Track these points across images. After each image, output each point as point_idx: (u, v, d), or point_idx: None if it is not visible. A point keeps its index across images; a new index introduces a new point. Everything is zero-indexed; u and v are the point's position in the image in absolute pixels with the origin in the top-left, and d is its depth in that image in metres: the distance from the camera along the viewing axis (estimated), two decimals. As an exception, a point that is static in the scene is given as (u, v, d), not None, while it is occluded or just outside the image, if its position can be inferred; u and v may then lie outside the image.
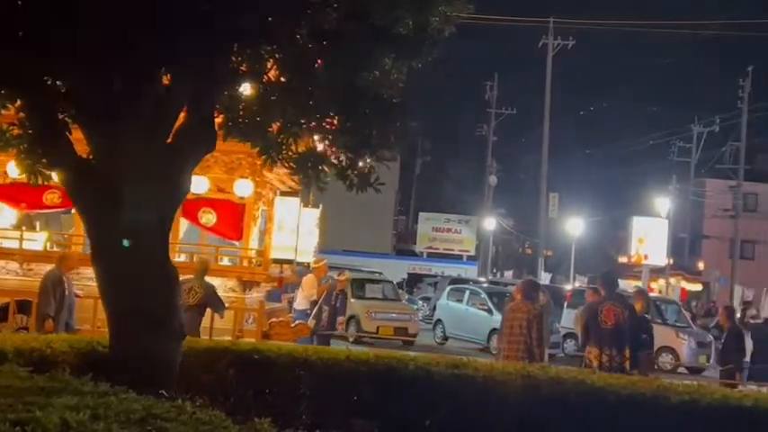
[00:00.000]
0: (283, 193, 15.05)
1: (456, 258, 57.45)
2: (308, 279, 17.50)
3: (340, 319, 17.33)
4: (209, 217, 14.90)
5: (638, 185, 55.87)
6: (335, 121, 7.10)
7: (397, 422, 7.52)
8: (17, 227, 15.62)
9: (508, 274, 59.01)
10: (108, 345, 6.86)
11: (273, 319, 14.47)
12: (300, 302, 17.52)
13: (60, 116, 6.58)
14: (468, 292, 30.66)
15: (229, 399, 7.33)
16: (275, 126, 6.98)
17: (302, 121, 7.00)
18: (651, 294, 35.31)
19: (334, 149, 7.28)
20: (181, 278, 12.53)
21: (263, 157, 7.07)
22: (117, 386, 4.89)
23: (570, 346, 26.68)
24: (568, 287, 37.72)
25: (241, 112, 6.90)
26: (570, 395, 7.44)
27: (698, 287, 46.21)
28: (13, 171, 13.50)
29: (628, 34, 55.45)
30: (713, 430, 7.24)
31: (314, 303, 16.74)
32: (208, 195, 14.52)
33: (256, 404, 7.33)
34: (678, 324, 28.04)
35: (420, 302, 38.47)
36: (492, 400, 7.50)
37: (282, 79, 6.95)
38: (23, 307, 13.23)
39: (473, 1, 7.34)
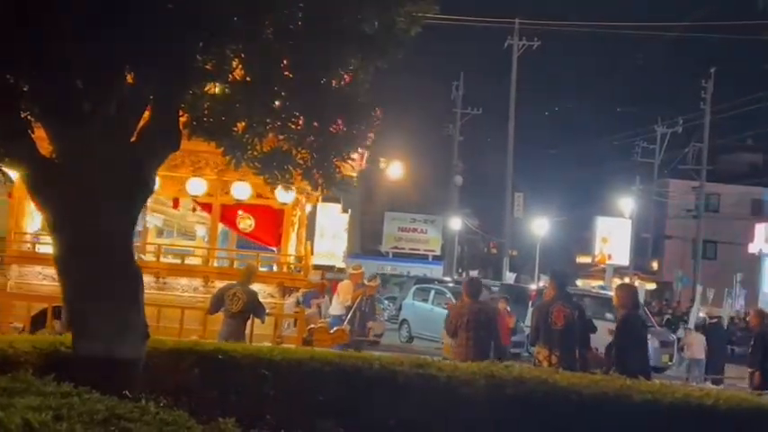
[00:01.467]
0: (325, 199, 15.01)
1: (422, 258, 57.55)
2: (345, 284, 17.52)
3: (370, 324, 17.22)
4: (247, 222, 14.90)
5: (602, 186, 56.31)
6: (301, 121, 7.09)
7: (363, 422, 7.53)
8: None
9: (474, 273, 59.18)
10: (71, 345, 6.81)
11: (312, 325, 14.42)
12: (335, 308, 17.49)
13: (23, 115, 6.52)
14: (433, 292, 30.78)
15: (194, 399, 7.28)
16: (240, 126, 6.96)
17: (267, 121, 6.98)
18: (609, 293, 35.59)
19: (299, 149, 7.27)
20: (222, 284, 12.66)
21: (228, 157, 7.05)
22: (80, 386, 4.85)
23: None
24: (533, 287, 37.94)
25: (206, 112, 6.87)
26: (534, 394, 7.49)
27: (653, 286, 46.60)
28: None
29: (593, 35, 55.81)
30: (675, 429, 7.32)
31: (349, 309, 16.70)
32: (246, 201, 14.49)
33: (221, 404, 7.29)
34: (641, 323, 28.22)
35: (386, 302, 38.56)
36: (456, 400, 7.53)
37: (248, 79, 6.94)
38: (61, 313, 13.16)
39: (439, 1, 7.36)
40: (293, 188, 14.26)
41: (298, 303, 15.80)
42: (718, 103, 46.60)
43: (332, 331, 14.74)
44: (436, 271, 51.86)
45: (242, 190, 14.14)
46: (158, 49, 6.15)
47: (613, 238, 48.56)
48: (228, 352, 7.96)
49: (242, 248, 16.54)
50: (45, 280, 14.03)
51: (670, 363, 27.29)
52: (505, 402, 7.46)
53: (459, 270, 62.59)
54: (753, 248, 43.86)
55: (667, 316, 33.79)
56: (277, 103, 6.91)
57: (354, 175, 15.18)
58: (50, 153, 6.63)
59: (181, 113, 6.89)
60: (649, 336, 27.03)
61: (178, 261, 15.20)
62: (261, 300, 12.92)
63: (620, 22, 47.77)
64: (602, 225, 49.85)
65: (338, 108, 7.09)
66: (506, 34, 43.77)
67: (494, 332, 11.70)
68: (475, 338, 11.30)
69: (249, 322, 12.68)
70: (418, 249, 58.91)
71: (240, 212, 14.83)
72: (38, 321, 12.98)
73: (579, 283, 54.09)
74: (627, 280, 43.97)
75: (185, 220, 19.14)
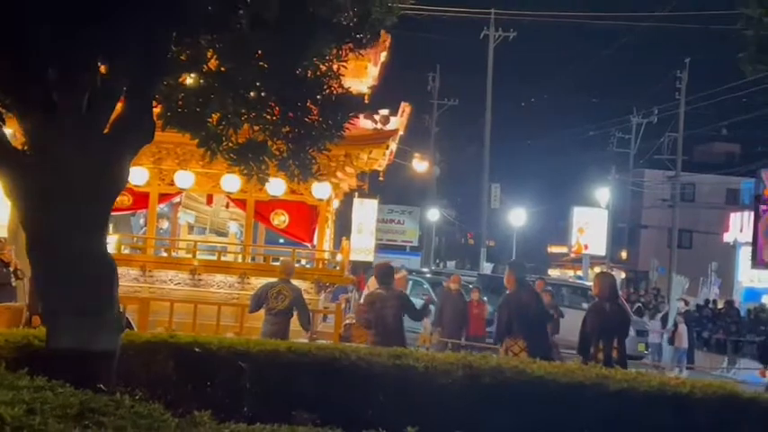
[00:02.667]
0: (361, 195, 14.98)
1: (399, 249, 57.55)
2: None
3: (432, 323, 17.08)
4: (281, 219, 14.89)
5: (578, 176, 56.54)
6: (276, 112, 7.06)
7: (340, 413, 7.49)
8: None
9: (451, 264, 59.30)
10: (45, 338, 6.75)
11: (348, 321, 14.38)
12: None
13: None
14: (411, 283, 30.78)
15: (169, 392, 7.25)
16: (215, 117, 6.92)
17: (242, 112, 6.94)
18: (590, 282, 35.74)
19: (275, 140, 7.24)
20: (265, 282, 12.59)
21: (203, 148, 7.00)
22: (54, 380, 4.81)
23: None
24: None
25: (180, 102, 6.82)
26: (511, 384, 7.50)
27: (621, 275, 46.87)
28: None
29: (569, 26, 55.97)
30: (651, 417, 7.34)
31: None
32: (281, 197, 14.42)
33: (197, 397, 7.26)
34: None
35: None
36: (434, 390, 7.53)
37: (222, 69, 6.89)
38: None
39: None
40: (328, 183, 14.31)
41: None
42: (693, 94, 46.87)
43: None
44: (414, 262, 51.85)
45: (277, 186, 14.11)
46: (131, 39, 6.10)
47: (590, 228, 48.78)
48: (205, 344, 7.92)
49: (271, 244, 16.49)
50: None
51: (646, 352, 27.46)
52: (483, 392, 7.47)
53: (437, 261, 62.66)
54: (728, 238, 44.17)
55: (638, 304, 33.98)
56: (252, 93, 6.87)
57: (381, 168, 15.20)
58: (22, 144, 6.56)
59: (155, 104, 6.84)
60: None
61: (212, 258, 15.17)
62: None
63: (596, 12, 47.94)
64: (579, 215, 50.06)
65: (314, 98, 7.07)
66: (482, 25, 43.82)
67: (414, 312, 11.77)
68: (387, 325, 11.28)
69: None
70: (395, 240, 58.90)
71: (276, 210, 14.79)
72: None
73: (553, 273, 54.36)
74: (597, 270, 44.22)
75: (217, 216, 19.09)
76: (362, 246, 14.74)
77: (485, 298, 21.83)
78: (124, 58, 6.37)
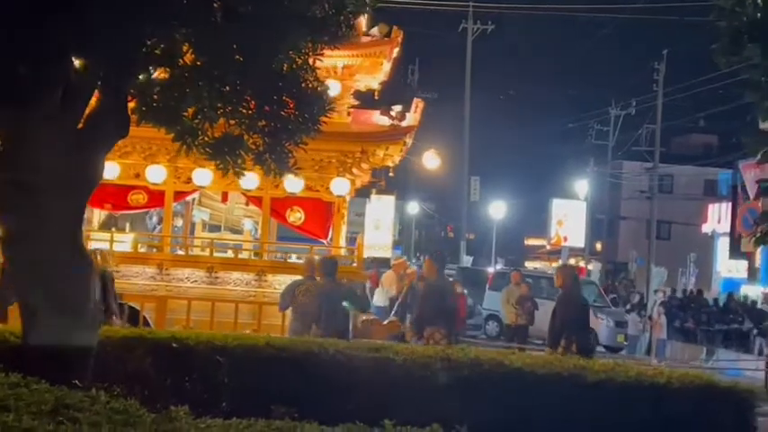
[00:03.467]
0: (379, 192, 14.92)
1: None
2: (388, 275, 17.42)
3: (410, 317, 17.05)
4: (297, 215, 14.84)
5: (557, 168, 56.66)
6: (252, 106, 7.03)
7: (319, 407, 7.47)
8: (102, 228, 15.39)
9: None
10: (21, 334, 6.71)
11: (364, 317, 14.35)
12: (378, 299, 17.34)
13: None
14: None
15: (147, 387, 7.22)
16: (190, 111, 6.88)
17: (218, 106, 6.91)
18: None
19: (251, 134, 7.21)
20: (293, 279, 12.54)
21: (179, 143, 6.96)
22: (29, 377, 4.78)
23: (492, 327, 27.00)
24: (490, 269, 38.12)
25: (155, 97, 6.78)
26: (489, 376, 7.53)
27: (591, 266, 47.06)
28: (107, 172, 13.29)
29: (547, 18, 56.15)
30: (629, 407, 7.39)
31: (393, 300, 16.60)
32: (297, 194, 14.39)
33: (175, 392, 7.25)
34: (596, 304, 28.55)
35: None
36: (413, 383, 7.54)
37: (197, 63, 6.86)
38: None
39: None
40: (347, 179, 14.30)
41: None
42: (671, 85, 47.02)
43: (384, 323, 14.74)
44: (394, 255, 51.84)
45: (294, 183, 14.11)
46: (105, 33, 6.06)
47: (569, 220, 48.91)
48: (182, 340, 7.90)
49: (282, 241, 16.40)
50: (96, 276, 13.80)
51: (625, 342, 27.60)
52: (462, 384, 7.49)
53: (417, 254, 62.70)
54: (706, 228, 44.42)
55: (612, 296, 34.19)
56: (227, 87, 6.84)
57: (392, 165, 15.16)
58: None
59: (129, 99, 6.80)
60: (604, 316, 27.60)
61: (228, 255, 15.15)
62: None
63: (573, 4, 47.99)
64: (558, 207, 50.18)
65: (290, 92, 7.04)
66: (461, 18, 43.82)
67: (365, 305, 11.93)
68: (329, 317, 11.31)
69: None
70: (375, 233, 58.77)
71: (292, 207, 14.77)
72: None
73: (531, 265, 54.47)
74: (572, 261, 44.38)
75: (232, 213, 19.04)
76: (380, 242, 14.65)
77: (465, 291, 21.86)
78: (98, 53, 6.32)
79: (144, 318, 13.42)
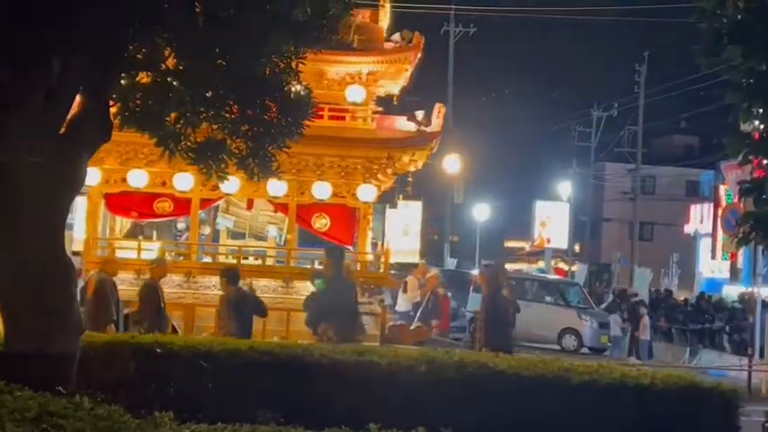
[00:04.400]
0: (405, 197, 14.87)
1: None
2: (411, 281, 17.31)
3: (434, 322, 17.00)
4: (322, 222, 14.79)
5: (540, 170, 56.74)
6: (235, 110, 7.01)
7: (304, 410, 7.47)
8: (128, 236, 15.31)
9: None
10: (3, 342, 6.67)
11: (391, 323, 14.28)
12: (402, 304, 17.26)
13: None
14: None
15: (132, 393, 7.19)
16: (173, 115, 6.86)
17: (201, 110, 6.89)
18: (554, 276, 36.01)
19: (234, 138, 7.20)
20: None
21: (161, 147, 6.94)
22: (13, 384, 4.76)
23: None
24: (474, 272, 38.13)
25: (137, 101, 6.76)
26: (474, 378, 7.53)
27: (575, 268, 47.24)
28: (134, 180, 13.18)
29: (528, 21, 56.22)
30: (613, 408, 7.41)
31: (416, 305, 16.52)
32: (323, 201, 14.39)
33: (159, 398, 7.22)
34: (580, 305, 28.64)
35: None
36: (398, 386, 7.54)
37: (180, 67, 6.84)
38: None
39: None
40: (373, 185, 14.31)
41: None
42: (653, 87, 47.25)
43: (412, 328, 14.69)
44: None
45: (322, 189, 14.17)
46: (86, 37, 6.04)
47: (552, 221, 49.03)
48: (166, 345, 7.88)
49: (305, 247, 16.30)
50: (122, 285, 13.59)
51: (609, 344, 27.67)
52: (447, 386, 7.50)
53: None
54: (688, 229, 44.61)
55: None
56: (210, 91, 6.82)
57: (412, 169, 15.14)
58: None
59: (111, 104, 6.77)
60: (587, 317, 27.67)
61: (254, 262, 15.09)
62: None
63: (555, 7, 48.14)
64: (541, 209, 50.30)
65: (272, 96, 7.04)
66: (443, 21, 43.89)
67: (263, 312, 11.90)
68: (238, 325, 11.34)
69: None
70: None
71: (317, 213, 14.75)
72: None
73: (511, 266, 54.50)
74: (553, 263, 44.49)
75: (256, 220, 19.00)
76: (408, 247, 14.62)
77: (449, 293, 21.86)
78: (79, 57, 6.30)
79: (173, 326, 13.34)
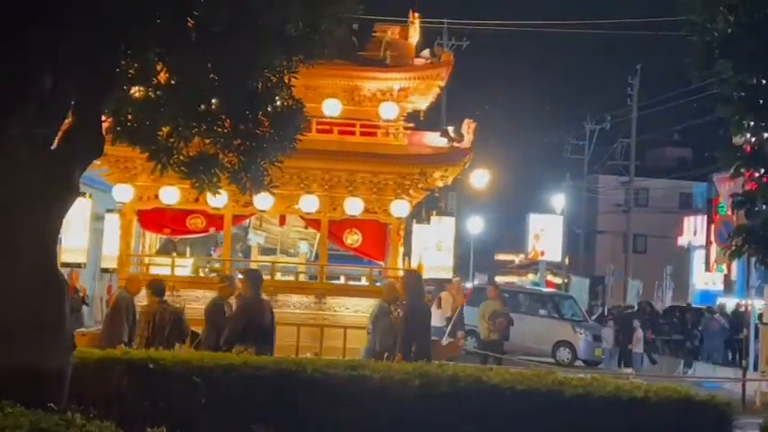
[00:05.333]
0: (439, 213, 14.87)
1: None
2: (446, 297, 17.32)
3: (460, 333, 16.97)
4: (354, 237, 14.77)
5: (534, 183, 56.78)
6: (227, 124, 7.02)
7: (297, 424, 7.49)
8: (160, 252, 15.33)
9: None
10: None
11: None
12: (435, 319, 17.26)
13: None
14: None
15: (124, 409, 7.18)
16: (165, 129, 6.87)
17: (193, 125, 6.90)
18: (548, 289, 36.05)
19: (226, 153, 7.20)
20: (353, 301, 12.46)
21: (154, 162, 6.94)
22: (4, 401, 4.74)
23: (471, 343, 27.00)
24: (468, 285, 38.13)
25: (129, 116, 6.76)
26: (467, 392, 7.52)
27: (566, 280, 47.24)
28: (167, 196, 13.17)
29: (522, 35, 56.39)
30: (607, 421, 7.40)
31: (448, 320, 16.52)
32: (355, 216, 14.40)
33: (152, 414, 7.20)
34: (574, 318, 28.63)
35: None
36: (391, 400, 7.53)
37: (172, 81, 6.84)
38: None
39: (366, 2, 7.35)
40: (406, 201, 14.33)
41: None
42: (645, 100, 47.37)
43: (444, 344, 14.67)
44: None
45: (354, 205, 14.20)
46: (79, 52, 6.04)
47: (546, 234, 49.05)
48: (159, 360, 7.85)
49: (335, 263, 16.27)
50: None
51: (603, 356, 27.67)
52: (440, 400, 7.49)
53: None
54: (682, 241, 44.63)
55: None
56: (202, 106, 6.83)
57: (440, 184, 15.15)
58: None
59: (104, 118, 6.77)
60: (582, 330, 27.66)
61: (287, 278, 15.05)
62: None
63: (549, 21, 48.33)
64: (535, 221, 50.32)
65: (265, 110, 7.04)
66: (436, 35, 43.97)
67: (184, 331, 11.80)
68: (161, 337, 11.35)
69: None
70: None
71: (349, 229, 14.75)
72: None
73: (502, 280, 54.46)
74: (539, 276, 44.41)
75: (287, 237, 18.99)
76: (442, 263, 14.59)
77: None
78: (72, 71, 6.30)
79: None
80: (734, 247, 8.81)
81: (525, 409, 7.36)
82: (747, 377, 19.98)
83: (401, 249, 14.88)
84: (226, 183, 7.32)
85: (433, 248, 14.52)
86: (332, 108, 14.46)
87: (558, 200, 51.53)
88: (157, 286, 11.98)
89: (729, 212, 22.75)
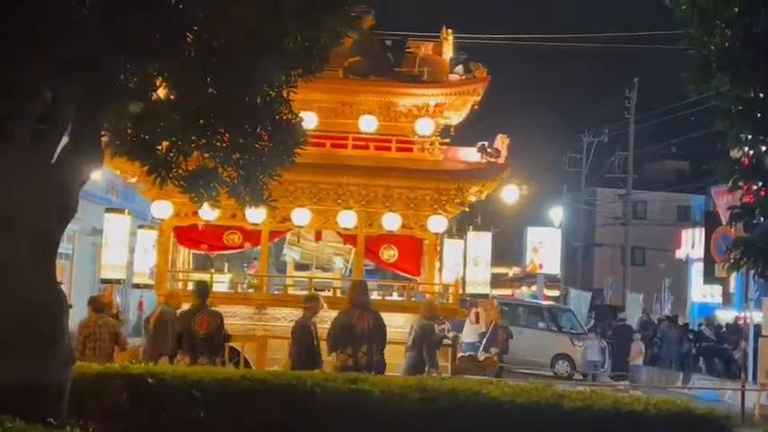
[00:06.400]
0: (475, 228, 14.89)
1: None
2: (482, 312, 17.32)
3: (493, 350, 16.97)
4: (390, 253, 14.82)
5: (533, 196, 56.77)
6: (226, 138, 7.03)
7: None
8: (198, 269, 15.34)
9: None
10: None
11: (461, 354, 14.22)
12: (468, 334, 17.28)
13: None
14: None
15: (123, 424, 7.17)
16: (164, 144, 6.87)
17: (192, 139, 6.91)
18: (547, 302, 36.00)
19: (225, 167, 7.21)
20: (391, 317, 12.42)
21: (153, 175, 6.95)
22: (3, 415, 4.73)
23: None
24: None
25: (128, 130, 6.77)
26: (467, 406, 7.51)
27: (556, 293, 47.20)
28: (206, 214, 13.25)
29: (519, 48, 56.55)
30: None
31: (482, 336, 16.52)
32: (395, 232, 14.45)
33: (151, 428, 7.20)
34: (573, 331, 28.61)
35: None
36: (391, 414, 7.52)
37: (171, 96, 6.86)
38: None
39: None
40: (443, 215, 14.32)
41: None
42: (643, 113, 47.43)
43: (481, 359, 14.66)
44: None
45: (392, 221, 14.25)
46: (78, 67, 6.05)
47: (544, 247, 49.01)
48: (157, 375, 7.84)
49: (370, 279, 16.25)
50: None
51: (602, 369, 27.64)
52: (440, 414, 7.48)
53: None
54: (680, 254, 44.62)
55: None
56: (201, 120, 6.84)
57: (473, 200, 15.17)
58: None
59: (103, 132, 6.78)
60: (581, 343, 27.63)
61: (326, 294, 14.97)
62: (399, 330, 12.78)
63: (546, 34, 48.45)
64: (533, 234, 50.29)
65: (264, 124, 7.05)
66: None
67: (123, 344, 11.91)
68: (101, 351, 11.46)
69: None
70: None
71: (385, 245, 14.79)
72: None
73: (497, 292, 54.27)
74: (537, 289, 44.32)
75: (323, 252, 19.01)
76: (479, 278, 14.58)
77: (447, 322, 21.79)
78: (71, 87, 6.30)
79: (245, 359, 13.28)
80: (732, 260, 8.82)
81: (525, 423, 7.35)
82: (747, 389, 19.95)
83: (437, 264, 14.89)
84: (225, 197, 7.33)
85: (470, 263, 14.53)
86: (368, 124, 14.55)
87: (557, 213, 51.52)
88: (98, 303, 12.12)
89: (726, 225, 22.78)
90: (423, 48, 15.69)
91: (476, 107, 15.57)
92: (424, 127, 14.70)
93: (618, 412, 7.51)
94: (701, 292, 41.20)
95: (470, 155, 14.95)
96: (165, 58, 6.45)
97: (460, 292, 14.87)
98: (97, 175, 7.02)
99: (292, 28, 6.66)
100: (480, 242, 14.74)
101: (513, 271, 53.10)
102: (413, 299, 14.59)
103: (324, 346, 11.36)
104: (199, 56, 6.60)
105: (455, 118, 15.90)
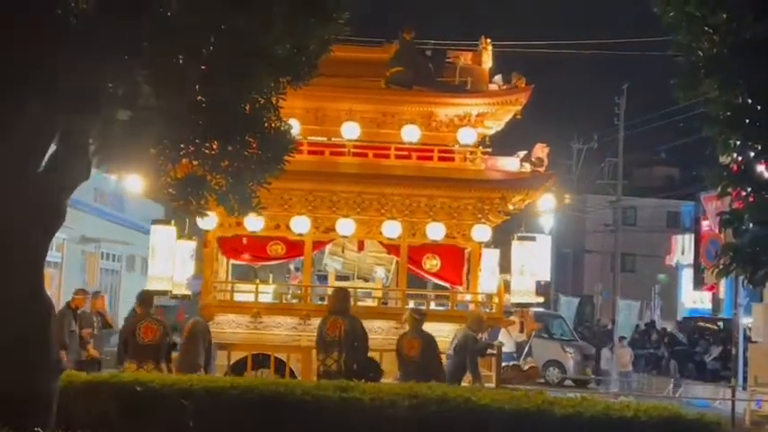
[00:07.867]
0: (521, 238, 14.85)
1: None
2: (517, 321, 17.34)
3: (529, 359, 16.91)
4: (433, 263, 14.75)
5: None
6: (215, 145, 7.01)
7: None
8: (245, 279, 15.50)
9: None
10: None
11: (504, 364, 14.16)
12: (507, 344, 17.25)
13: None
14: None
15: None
16: (152, 151, 6.85)
17: (181, 146, 6.88)
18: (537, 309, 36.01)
19: (214, 174, 7.18)
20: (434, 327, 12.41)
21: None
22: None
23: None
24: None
25: (117, 138, 6.74)
26: (457, 413, 7.50)
27: (540, 300, 47.27)
28: (250, 224, 13.17)
29: (508, 54, 56.64)
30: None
31: (520, 345, 16.48)
32: (438, 241, 14.35)
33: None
34: (564, 338, 28.65)
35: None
36: (381, 421, 7.51)
37: (159, 103, 6.83)
38: (262, 361, 12.91)
39: (353, 24, 7.37)
40: (488, 226, 14.30)
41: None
42: (632, 119, 47.54)
43: (525, 368, 14.63)
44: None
45: (436, 230, 14.19)
46: (64, 77, 6.02)
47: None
48: (146, 383, 7.81)
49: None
50: (239, 328, 13.68)
51: (592, 376, 27.68)
52: (430, 421, 7.47)
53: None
54: (670, 260, 44.72)
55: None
56: (190, 127, 6.82)
57: (511, 208, 15.14)
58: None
59: (90, 141, 6.75)
60: (572, 350, 27.68)
61: (364, 303, 14.90)
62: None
63: (536, 41, 48.50)
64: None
65: (253, 132, 7.04)
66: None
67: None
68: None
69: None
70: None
71: (428, 254, 14.73)
72: (237, 369, 12.40)
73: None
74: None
75: (364, 262, 18.90)
76: (525, 287, 14.54)
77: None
78: (59, 96, 6.28)
79: (290, 369, 13.22)
80: (721, 266, 8.83)
81: (516, 430, 7.34)
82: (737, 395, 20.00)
83: (480, 274, 14.87)
84: (214, 204, 7.31)
85: (515, 272, 14.53)
86: (410, 134, 14.53)
87: (546, 219, 51.60)
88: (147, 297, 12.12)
89: (716, 231, 22.86)
90: (462, 57, 15.70)
91: (518, 116, 15.57)
92: (467, 136, 14.70)
93: (609, 418, 7.50)
94: (690, 298, 41.33)
95: (510, 164, 14.95)
96: (154, 65, 6.43)
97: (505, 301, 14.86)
98: (86, 183, 6.96)
99: (280, 36, 6.65)
100: (525, 251, 14.72)
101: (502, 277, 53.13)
102: (456, 307, 14.58)
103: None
104: (186, 64, 6.58)
105: (495, 128, 15.90)
